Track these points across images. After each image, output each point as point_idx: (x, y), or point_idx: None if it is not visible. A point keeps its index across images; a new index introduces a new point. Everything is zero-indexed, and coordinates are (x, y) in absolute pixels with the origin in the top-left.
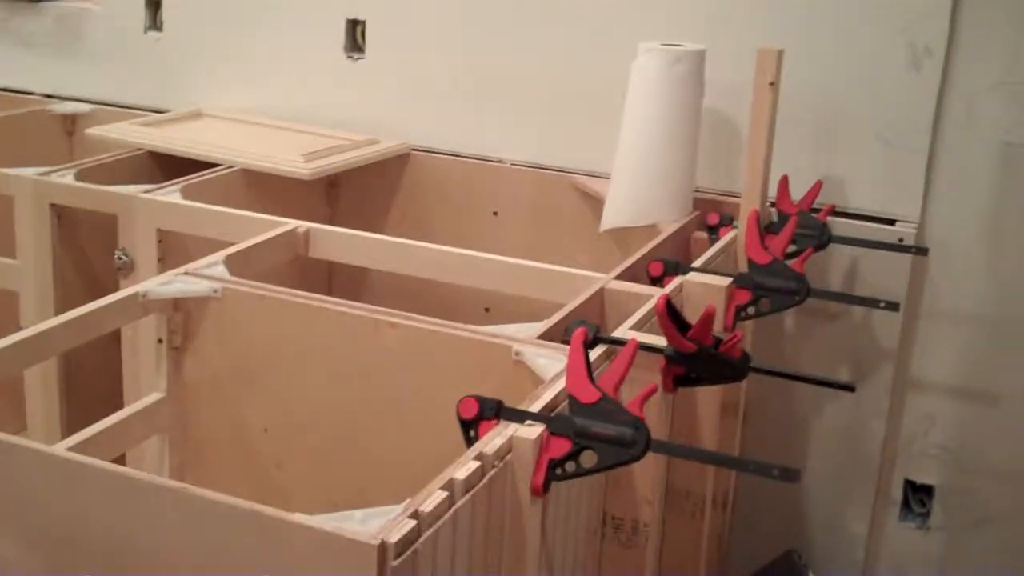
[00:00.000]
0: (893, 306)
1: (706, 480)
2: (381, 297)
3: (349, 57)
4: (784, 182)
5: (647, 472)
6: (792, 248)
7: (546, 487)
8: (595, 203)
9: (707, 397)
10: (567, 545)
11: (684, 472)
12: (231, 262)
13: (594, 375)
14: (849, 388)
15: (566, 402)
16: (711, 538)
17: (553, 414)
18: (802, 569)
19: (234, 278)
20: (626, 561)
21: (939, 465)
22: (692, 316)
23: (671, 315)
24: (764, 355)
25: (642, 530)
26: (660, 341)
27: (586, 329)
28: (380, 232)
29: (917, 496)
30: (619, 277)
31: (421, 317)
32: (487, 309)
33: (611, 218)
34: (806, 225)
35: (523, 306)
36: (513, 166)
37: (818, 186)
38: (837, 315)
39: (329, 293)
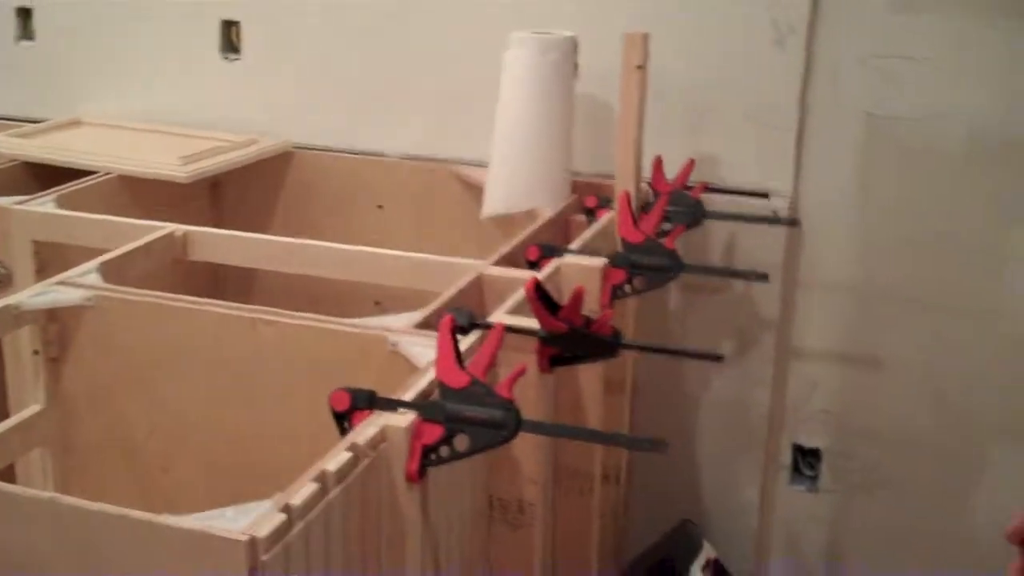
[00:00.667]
0: (762, 277)
1: (593, 457)
2: (271, 297)
3: (225, 58)
4: (658, 162)
5: (529, 453)
6: (668, 226)
7: (421, 473)
8: (478, 192)
9: (589, 376)
10: (452, 529)
11: (571, 451)
12: (106, 270)
13: (464, 360)
14: (717, 358)
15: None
16: (606, 514)
17: (425, 401)
18: (697, 538)
19: (107, 285)
20: (515, 542)
21: (824, 429)
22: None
23: (541, 297)
24: (650, 333)
25: (528, 510)
26: (534, 324)
27: (453, 316)
28: (266, 232)
29: (806, 460)
30: (498, 263)
31: (296, 313)
32: (377, 303)
33: (491, 206)
34: (680, 203)
35: (412, 298)
36: (395, 159)
37: (690, 164)
38: (718, 289)
39: (219, 297)
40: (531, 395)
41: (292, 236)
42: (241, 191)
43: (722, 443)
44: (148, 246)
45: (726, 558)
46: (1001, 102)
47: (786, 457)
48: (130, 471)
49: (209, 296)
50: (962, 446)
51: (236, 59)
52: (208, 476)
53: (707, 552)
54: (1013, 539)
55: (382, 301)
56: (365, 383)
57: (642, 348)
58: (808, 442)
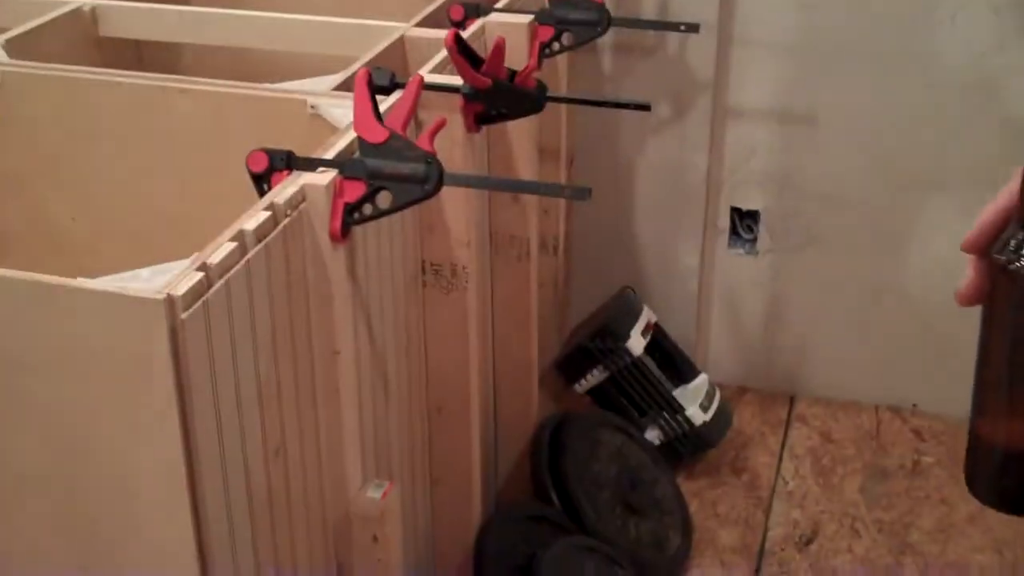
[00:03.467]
0: (693, 28)
1: (528, 222)
2: (194, 73)
3: None
4: None
5: (459, 214)
6: None
7: (344, 232)
8: None
9: (522, 141)
10: (383, 292)
11: (505, 217)
12: (11, 47)
13: (383, 116)
14: (644, 107)
15: None
16: (545, 284)
17: (345, 159)
18: (637, 303)
19: (14, 61)
20: (449, 305)
21: (762, 191)
22: None
23: (462, 50)
24: None
25: (461, 273)
26: (458, 82)
27: (369, 70)
28: None
29: (744, 223)
30: (421, 25)
31: (210, 80)
32: (304, 77)
33: None
34: None
35: (341, 69)
36: None
37: None
38: (652, 50)
39: None
40: (459, 155)
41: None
42: None
43: (661, 209)
44: (55, 21)
45: (666, 323)
46: None
47: (724, 221)
48: (54, 255)
49: None
50: (895, 198)
51: None
52: (138, 255)
53: (647, 316)
54: (970, 248)
55: (309, 75)
56: (286, 148)
57: (567, 100)
58: (746, 204)
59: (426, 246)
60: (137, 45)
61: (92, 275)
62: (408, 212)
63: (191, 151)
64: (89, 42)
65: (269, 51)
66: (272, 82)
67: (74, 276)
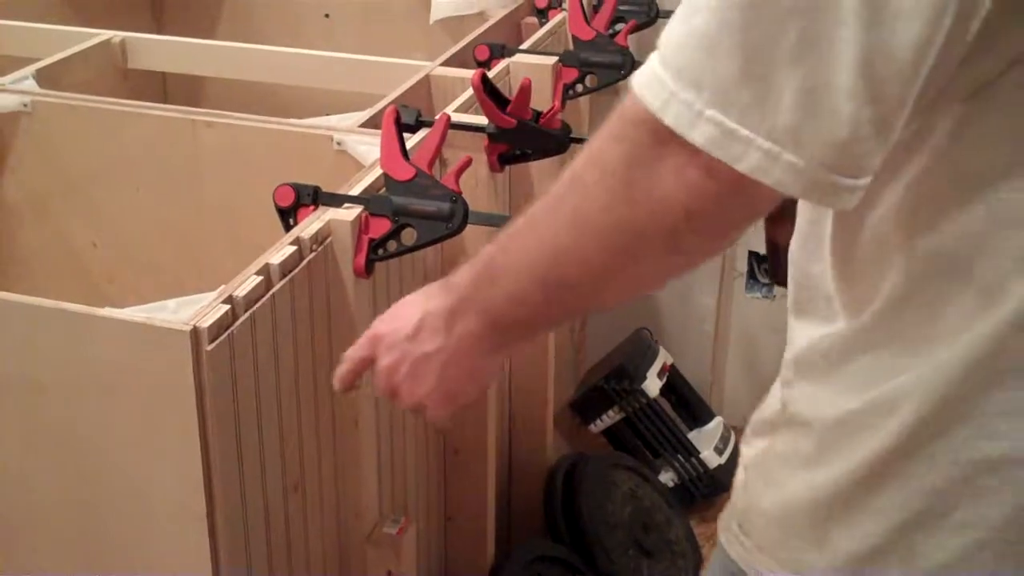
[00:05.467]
0: None
1: None
2: (218, 107)
3: None
4: None
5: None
6: (622, 26)
7: (369, 268)
8: None
9: (543, 182)
10: None
11: None
12: (41, 77)
13: (410, 154)
14: None
15: None
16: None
17: (371, 195)
18: (653, 345)
19: (44, 91)
20: None
21: None
22: None
23: (488, 90)
24: None
25: None
26: (483, 121)
27: (397, 107)
28: None
29: (762, 267)
30: (446, 64)
31: (237, 114)
32: (328, 114)
33: (440, 8)
34: (635, 1)
35: (364, 106)
36: None
37: None
38: None
39: None
40: (482, 194)
41: None
42: (183, 2)
43: None
44: (85, 53)
45: (682, 365)
46: None
47: (742, 264)
48: (75, 281)
49: None
50: None
51: None
52: (157, 283)
53: (663, 358)
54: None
55: (333, 112)
56: (311, 183)
57: None
58: (764, 248)
59: None
60: (163, 77)
61: (111, 301)
62: (430, 249)
63: (215, 183)
64: (116, 73)
65: (294, 87)
66: (297, 117)
67: (94, 301)
